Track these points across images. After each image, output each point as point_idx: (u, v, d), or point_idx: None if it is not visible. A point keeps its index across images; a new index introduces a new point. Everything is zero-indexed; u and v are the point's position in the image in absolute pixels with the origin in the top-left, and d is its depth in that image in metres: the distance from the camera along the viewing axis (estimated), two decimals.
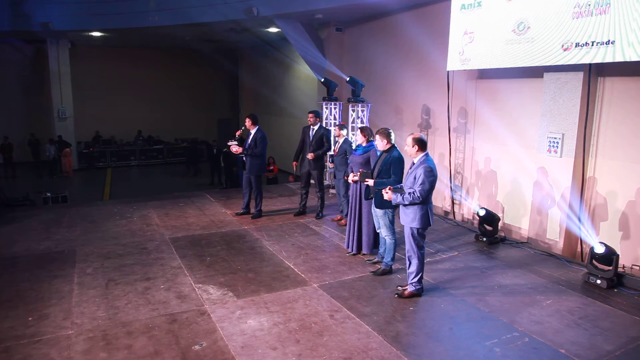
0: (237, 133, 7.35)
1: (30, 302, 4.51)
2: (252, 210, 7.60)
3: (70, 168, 17.21)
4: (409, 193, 4.42)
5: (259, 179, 7.50)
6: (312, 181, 7.67)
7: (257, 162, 7.37)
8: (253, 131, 7.25)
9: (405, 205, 4.52)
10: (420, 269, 4.68)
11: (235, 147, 7.19)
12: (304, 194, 7.72)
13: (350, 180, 5.63)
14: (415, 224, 4.53)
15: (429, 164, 4.45)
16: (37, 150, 18.30)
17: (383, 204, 5.06)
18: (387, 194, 4.56)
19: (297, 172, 7.84)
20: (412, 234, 4.58)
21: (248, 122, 7.27)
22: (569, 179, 6.47)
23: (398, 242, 5.38)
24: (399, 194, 4.48)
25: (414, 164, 4.57)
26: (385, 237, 5.29)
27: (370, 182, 5.08)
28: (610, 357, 3.70)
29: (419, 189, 4.39)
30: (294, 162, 7.72)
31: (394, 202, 4.57)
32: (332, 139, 9.59)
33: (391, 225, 5.25)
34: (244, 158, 7.36)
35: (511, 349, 3.80)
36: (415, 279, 4.68)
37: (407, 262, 4.72)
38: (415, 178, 4.46)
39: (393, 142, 5.16)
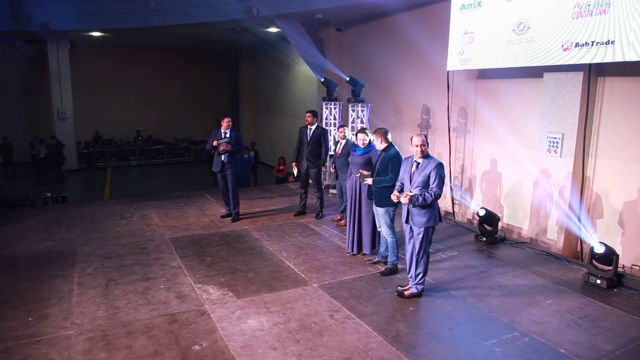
0: (216, 143, 7.16)
1: (30, 302, 4.51)
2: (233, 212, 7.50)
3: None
4: (428, 193, 4.37)
5: (237, 179, 7.44)
6: (310, 181, 7.67)
7: (237, 161, 7.39)
8: (228, 131, 7.14)
9: (425, 206, 4.44)
10: (427, 268, 4.69)
11: (224, 145, 7.01)
12: (303, 194, 7.73)
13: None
14: (432, 223, 4.51)
15: (440, 161, 4.47)
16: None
17: (382, 202, 5.07)
18: (406, 198, 4.38)
19: (296, 173, 7.85)
20: (427, 234, 4.55)
21: (228, 123, 7.11)
22: (568, 179, 6.47)
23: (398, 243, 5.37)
24: (419, 196, 4.37)
25: (418, 164, 4.53)
26: (387, 237, 5.29)
27: (369, 181, 5.10)
28: (610, 357, 3.70)
29: (439, 186, 4.38)
30: (294, 163, 7.72)
31: (413, 205, 4.43)
32: (331, 138, 9.65)
33: (392, 224, 5.25)
34: (223, 159, 7.16)
35: (511, 348, 3.80)
36: (422, 279, 4.68)
37: (414, 264, 4.62)
38: (428, 177, 4.42)
39: (390, 141, 5.18)
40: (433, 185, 4.40)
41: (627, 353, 3.76)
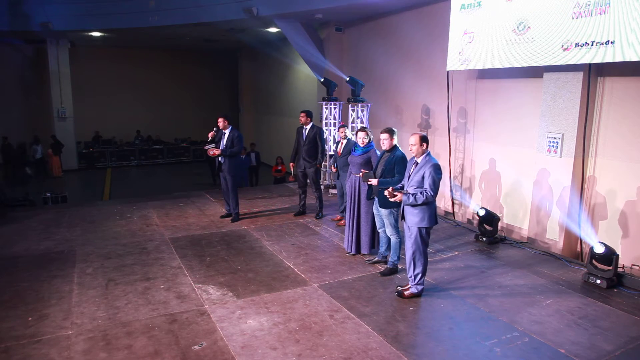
0: (210, 135, 7.16)
1: (30, 302, 4.51)
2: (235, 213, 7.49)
3: (58, 168, 17.10)
4: (421, 193, 4.38)
5: (236, 180, 7.40)
6: (308, 181, 7.68)
7: (235, 162, 7.31)
8: (227, 131, 7.12)
9: (417, 205, 4.45)
10: (426, 268, 4.68)
11: (213, 150, 7.04)
12: (301, 194, 7.74)
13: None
14: (424, 224, 4.51)
15: (436, 162, 4.47)
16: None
17: (387, 204, 5.03)
18: (397, 196, 4.45)
19: (294, 173, 7.87)
20: (421, 234, 4.55)
21: (223, 123, 7.09)
22: (568, 179, 6.47)
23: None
24: (410, 195, 4.41)
25: (417, 163, 4.55)
26: (391, 237, 5.28)
27: (374, 181, 5.07)
28: (610, 357, 3.70)
29: (431, 188, 4.37)
30: (291, 164, 7.74)
31: (404, 203, 4.50)
32: (331, 138, 9.65)
33: (396, 225, 5.24)
34: (220, 159, 7.18)
35: (511, 348, 3.80)
36: (421, 280, 4.68)
37: (412, 264, 4.64)
38: (423, 177, 4.43)
39: (396, 142, 5.17)
40: (425, 185, 4.41)
41: (627, 353, 3.76)
